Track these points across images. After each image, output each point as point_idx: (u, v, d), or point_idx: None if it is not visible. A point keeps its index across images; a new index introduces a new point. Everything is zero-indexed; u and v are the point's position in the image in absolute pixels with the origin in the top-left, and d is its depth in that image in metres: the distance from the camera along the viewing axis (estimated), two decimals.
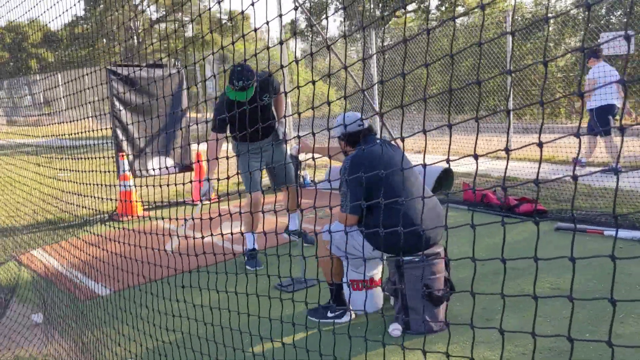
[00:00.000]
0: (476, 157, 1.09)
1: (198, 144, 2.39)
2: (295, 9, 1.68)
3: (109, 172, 3.65)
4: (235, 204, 6.35)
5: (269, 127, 4.33)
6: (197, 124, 2.69)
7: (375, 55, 11.51)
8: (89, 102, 3.14)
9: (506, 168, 1.12)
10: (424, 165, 1.26)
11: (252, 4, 1.70)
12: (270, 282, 3.62)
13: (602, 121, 6.92)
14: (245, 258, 4.23)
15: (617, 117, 6.91)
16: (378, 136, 3.27)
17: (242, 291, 2.22)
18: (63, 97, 3.52)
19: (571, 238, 3.96)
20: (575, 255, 0.91)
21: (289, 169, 4.49)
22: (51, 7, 3.07)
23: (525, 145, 1.01)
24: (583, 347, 2.65)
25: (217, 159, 2.30)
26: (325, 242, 3.09)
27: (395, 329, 2.89)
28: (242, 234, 2.02)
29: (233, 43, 1.89)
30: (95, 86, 3.06)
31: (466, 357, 1.04)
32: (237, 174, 2.92)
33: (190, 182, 2.35)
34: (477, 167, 1.13)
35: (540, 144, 1.01)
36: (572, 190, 6.10)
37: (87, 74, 3.28)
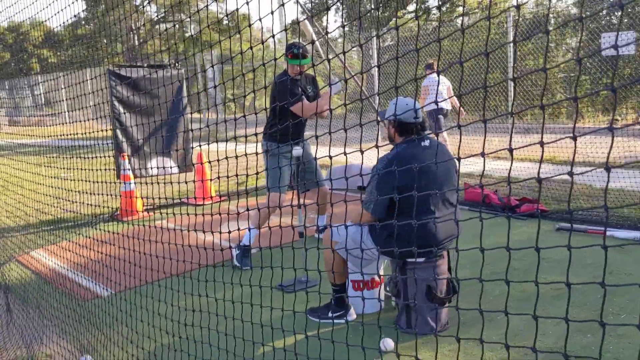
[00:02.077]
0: (483, 155, 1.09)
1: (201, 144, 2.39)
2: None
3: (109, 170, 3.65)
4: (239, 204, 6.35)
5: (303, 129, 4.53)
6: (192, 125, 2.69)
7: (376, 56, 11.51)
8: (89, 100, 3.14)
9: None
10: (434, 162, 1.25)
11: (260, 17, 1.69)
12: (274, 280, 3.62)
13: (435, 121, 8.58)
14: (237, 251, 4.23)
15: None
16: (429, 134, 3.04)
17: (241, 291, 2.22)
18: (65, 99, 3.52)
19: (574, 238, 3.95)
20: (576, 256, 0.91)
21: (319, 170, 4.59)
22: (49, 5, 3.07)
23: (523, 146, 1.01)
24: (583, 347, 2.64)
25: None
26: (333, 243, 3.07)
27: (385, 344, 2.80)
28: (249, 229, 2.01)
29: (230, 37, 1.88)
30: (96, 88, 3.06)
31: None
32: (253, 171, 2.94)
33: (193, 181, 2.36)
34: (484, 166, 1.13)
35: (510, 149, 1.01)
36: (574, 191, 6.09)
37: (88, 77, 3.28)
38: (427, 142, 2.95)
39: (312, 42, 4.51)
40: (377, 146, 1.53)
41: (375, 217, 2.89)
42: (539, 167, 1.07)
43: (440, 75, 9.19)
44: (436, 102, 1.28)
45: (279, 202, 4.15)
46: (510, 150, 1.05)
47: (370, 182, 2.90)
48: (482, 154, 1.07)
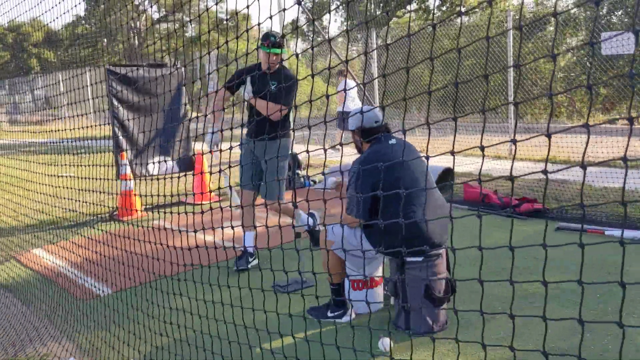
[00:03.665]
0: (452, 153, 1.09)
1: (193, 143, 2.39)
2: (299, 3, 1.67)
3: (109, 168, 3.65)
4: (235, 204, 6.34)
5: (264, 127, 4.01)
6: (195, 123, 2.69)
7: (376, 55, 11.49)
8: (89, 100, 3.14)
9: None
10: (427, 157, 1.25)
11: (261, 15, 1.69)
12: (271, 281, 3.62)
13: (343, 121, 9.47)
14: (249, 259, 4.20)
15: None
16: (394, 135, 3.13)
17: (240, 291, 2.22)
18: (64, 100, 3.52)
19: (573, 237, 3.94)
20: (574, 256, 0.90)
21: (280, 170, 4.21)
22: (53, 7, 3.07)
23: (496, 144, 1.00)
24: (583, 347, 2.64)
25: (222, 109, 2.26)
26: (329, 242, 3.07)
27: (383, 344, 2.78)
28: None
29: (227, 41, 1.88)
30: (95, 84, 3.06)
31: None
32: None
33: (193, 174, 2.35)
34: (453, 163, 1.12)
35: (482, 147, 1.01)
36: (574, 190, 6.08)
37: (87, 76, 3.27)
38: (393, 141, 3.05)
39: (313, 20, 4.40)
40: (341, 144, 1.54)
41: (361, 220, 2.91)
42: (512, 165, 1.06)
43: (350, 80, 10.67)
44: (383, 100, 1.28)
45: (241, 201, 4.02)
46: (482, 148, 1.05)
47: (349, 186, 2.95)
48: (452, 152, 1.07)
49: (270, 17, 1.62)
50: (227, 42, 1.94)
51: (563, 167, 1.04)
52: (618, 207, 5.10)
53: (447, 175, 6.20)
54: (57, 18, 3.06)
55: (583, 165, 0.97)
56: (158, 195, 2.87)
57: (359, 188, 2.88)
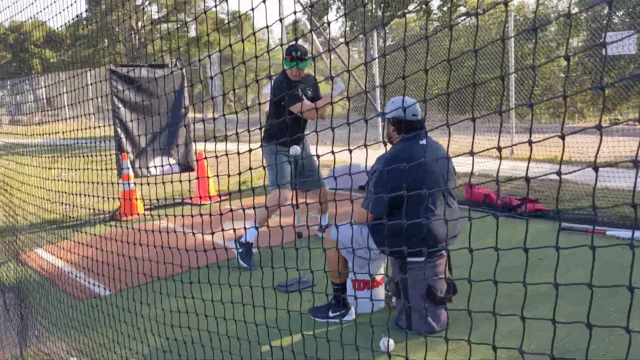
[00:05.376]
0: (472, 154, 1.09)
1: (196, 143, 2.39)
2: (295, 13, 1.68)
3: (110, 170, 3.66)
4: (237, 204, 6.35)
5: (302, 129, 4.49)
6: (194, 123, 2.68)
7: (377, 55, 11.49)
8: (90, 100, 3.14)
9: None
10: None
11: (252, 10, 1.69)
12: (273, 281, 3.62)
13: None
14: (239, 249, 4.17)
15: None
16: (426, 132, 3.01)
17: (241, 290, 2.22)
18: (66, 100, 3.52)
19: (576, 238, 3.94)
20: (578, 256, 0.90)
21: (319, 169, 4.61)
22: (50, 5, 3.07)
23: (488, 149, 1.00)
24: (584, 346, 2.63)
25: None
26: (332, 242, 3.07)
27: (384, 343, 2.77)
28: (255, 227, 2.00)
29: (230, 45, 1.88)
30: (97, 84, 3.06)
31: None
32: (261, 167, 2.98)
33: (196, 178, 2.35)
34: (501, 163, 1.12)
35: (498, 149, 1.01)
36: (576, 191, 6.08)
37: (89, 76, 3.28)
38: (424, 141, 2.95)
39: (311, 31, 4.52)
40: (365, 145, 1.54)
41: (374, 216, 2.89)
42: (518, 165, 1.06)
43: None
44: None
45: (279, 200, 4.13)
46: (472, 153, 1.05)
47: (369, 181, 2.90)
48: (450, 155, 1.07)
49: (281, 20, 1.62)
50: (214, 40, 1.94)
51: (546, 173, 1.05)
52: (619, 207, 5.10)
53: None
54: (55, 15, 3.05)
55: (559, 173, 0.98)
56: (160, 198, 2.87)
57: (379, 187, 2.83)
